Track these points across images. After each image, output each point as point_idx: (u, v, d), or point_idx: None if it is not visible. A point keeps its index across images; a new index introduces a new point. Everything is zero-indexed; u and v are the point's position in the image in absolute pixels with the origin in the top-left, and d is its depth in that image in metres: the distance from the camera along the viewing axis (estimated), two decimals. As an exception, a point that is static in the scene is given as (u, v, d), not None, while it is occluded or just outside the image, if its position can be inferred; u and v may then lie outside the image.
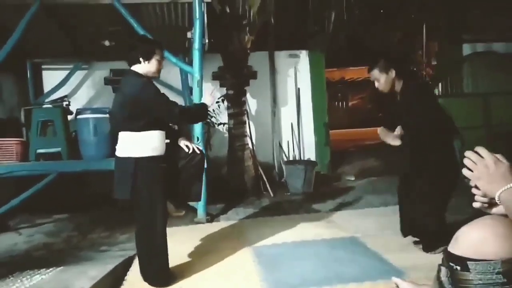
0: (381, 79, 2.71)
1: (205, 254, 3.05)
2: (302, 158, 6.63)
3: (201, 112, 2.74)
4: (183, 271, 2.71)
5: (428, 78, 7.29)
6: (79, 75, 6.15)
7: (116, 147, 2.48)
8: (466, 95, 7.17)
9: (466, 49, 7.41)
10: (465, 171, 1.03)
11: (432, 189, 2.66)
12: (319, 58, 6.86)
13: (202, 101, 2.72)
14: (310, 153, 6.74)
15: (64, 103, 4.57)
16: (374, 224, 3.63)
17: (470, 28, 7.31)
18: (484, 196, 1.05)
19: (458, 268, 0.94)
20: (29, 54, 5.68)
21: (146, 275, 2.48)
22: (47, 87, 6.03)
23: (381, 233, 3.36)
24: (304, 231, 3.52)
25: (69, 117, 4.64)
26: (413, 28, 7.37)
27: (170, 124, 2.77)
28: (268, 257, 2.93)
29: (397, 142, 2.77)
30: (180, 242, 3.36)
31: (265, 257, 2.93)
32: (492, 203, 1.06)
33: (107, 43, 5.20)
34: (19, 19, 3.92)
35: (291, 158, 6.58)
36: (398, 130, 2.90)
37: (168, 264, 2.52)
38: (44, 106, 4.53)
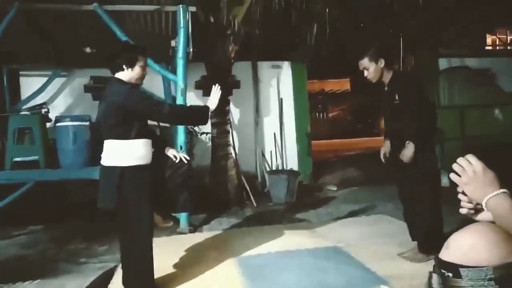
0: (370, 68, 2.71)
1: (188, 265, 2.99)
2: (284, 168, 6.65)
3: (200, 114, 2.60)
4: (165, 282, 2.65)
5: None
6: (58, 82, 6.01)
7: (102, 155, 2.43)
8: (442, 108, 7.40)
9: (442, 63, 7.68)
10: (453, 176, 1.05)
11: (423, 190, 2.73)
12: (301, 69, 6.96)
13: (207, 104, 2.59)
14: (292, 163, 6.77)
15: (43, 110, 4.44)
16: (356, 234, 3.66)
17: (446, 43, 7.58)
18: (470, 202, 1.08)
19: (450, 275, 0.95)
20: (5, 59, 5.51)
21: (130, 286, 2.40)
22: (24, 94, 5.86)
23: (364, 242, 3.38)
24: (288, 241, 3.51)
25: (48, 125, 4.51)
26: (391, 42, 7.57)
27: (157, 134, 2.72)
28: (252, 268, 2.90)
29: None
30: (163, 253, 3.27)
31: (249, 268, 2.90)
32: (477, 209, 1.09)
33: (88, 50, 5.11)
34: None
35: (274, 168, 6.59)
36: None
37: (153, 276, 2.45)
38: (22, 113, 4.40)
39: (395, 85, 2.70)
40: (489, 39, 9.91)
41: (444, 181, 5.07)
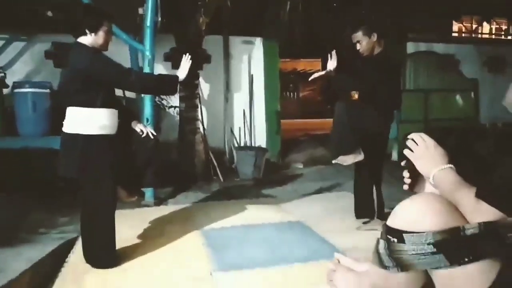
0: (363, 42, 2.85)
1: (151, 237, 3.00)
2: (253, 144, 6.69)
3: (168, 83, 2.55)
4: (128, 253, 2.65)
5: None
6: (16, 46, 5.67)
7: (64, 122, 2.36)
8: (408, 91, 7.64)
9: (410, 47, 7.86)
10: (406, 151, 1.12)
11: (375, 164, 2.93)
12: (273, 47, 6.91)
13: (176, 73, 2.55)
14: (261, 141, 6.81)
15: (-1, 75, 4.21)
16: (319, 209, 3.78)
17: (414, 28, 7.74)
18: (414, 175, 1.16)
19: (395, 240, 1.02)
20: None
21: (90, 257, 2.39)
22: (-23, 58, 5.50)
23: (325, 217, 3.51)
24: (253, 215, 3.58)
25: (5, 91, 4.28)
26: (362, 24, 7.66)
27: (124, 105, 2.66)
28: (216, 240, 2.95)
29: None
30: (126, 225, 3.26)
31: (213, 240, 2.95)
32: (417, 183, 1.19)
33: (49, 13, 4.84)
34: None
35: (242, 145, 6.61)
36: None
37: (115, 246, 2.45)
38: (-25, 77, 4.15)
39: (384, 57, 2.89)
40: (455, 26, 10.20)
41: (394, 156, 5.47)
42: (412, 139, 1.13)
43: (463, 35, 10.04)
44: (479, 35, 10.25)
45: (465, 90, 7.95)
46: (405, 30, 7.75)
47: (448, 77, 7.88)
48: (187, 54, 2.59)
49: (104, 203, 2.38)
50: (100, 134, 2.32)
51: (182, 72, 2.55)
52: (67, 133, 2.34)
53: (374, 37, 2.84)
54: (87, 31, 2.34)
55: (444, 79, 7.78)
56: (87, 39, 2.36)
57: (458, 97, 7.79)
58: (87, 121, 2.30)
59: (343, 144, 2.89)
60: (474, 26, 10.21)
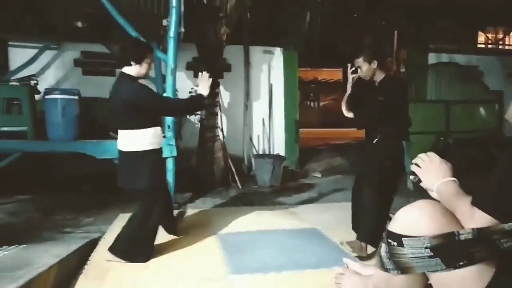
0: (364, 67, 2.90)
1: (170, 239, 3.11)
2: (271, 152, 6.77)
3: (196, 103, 2.93)
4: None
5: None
6: (48, 54, 5.98)
7: (119, 142, 2.74)
8: (429, 102, 7.57)
9: (432, 58, 7.80)
10: (413, 167, 1.22)
11: (381, 188, 2.80)
12: (293, 56, 7.01)
13: (199, 92, 2.88)
14: (279, 149, 6.89)
15: (32, 82, 4.45)
16: (334, 218, 3.80)
17: (436, 39, 7.69)
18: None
19: (395, 244, 1.08)
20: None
21: (127, 253, 2.63)
22: (13, 65, 5.82)
23: (340, 225, 3.52)
24: (268, 222, 3.65)
25: (37, 97, 4.52)
26: (384, 35, 7.67)
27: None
28: (232, 244, 3.03)
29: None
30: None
31: (229, 244, 3.03)
32: None
33: (79, 24, 5.10)
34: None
35: (260, 152, 6.70)
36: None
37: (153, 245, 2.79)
38: (11, 83, 4.40)
39: (385, 84, 2.88)
40: (481, 37, 10.04)
41: (409, 185, 5.02)
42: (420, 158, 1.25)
43: (489, 46, 9.87)
44: (505, 47, 10.05)
45: (489, 102, 7.80)
46: (426, 41, 7.71)
47: (471, 89, 7.76)
48: (203, 72, 2.90)
49: (155, 206, 2.71)
50: (152, 149, 2.71)
51: (203, 90, 2.86)
52: (124, 151, 2.70)
53: (374, 64, 2.88)
54: (132, 62, 2.67)
55: (466, 91, 7.67)
56: (131, 69, 2.68)
57: (481, 108, 7.64)
58: (139, 140, 2.67)
59: None
60: (500, 36, 10.02)
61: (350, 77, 3.03)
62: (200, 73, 2.90)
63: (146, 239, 2.72)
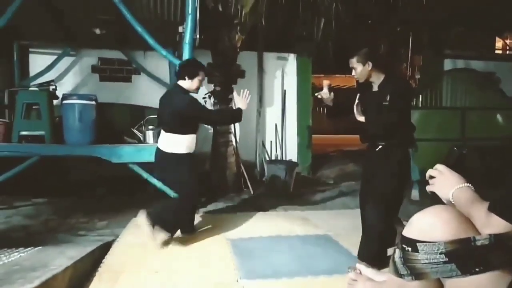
0: (358, 69, 2.76)
1: (182, 243, 3.13)
2: (284, 158, 6.76)
3: (235, 116, 3.34)
4: (159, 257, 2.80)
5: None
6: (66, 60, 6.12)
7: (161, 143, 3.20)
8: (445, 108, 7.46)
9: (447, 64, 7.71)
10: (428, 187, 1.23)
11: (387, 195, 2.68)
12: (306, 63, 7.02)
13: (238, 106, 3.30)
14: (292, 155, 6.88)
15: (51, 87, 4.56)
16: (347, 224, 3.77)
17: (451, 44, 7.60)
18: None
19: (410, 249, 1.07)
20: (17, 36, 5.62)
21: (183, 226, 3.25)
22: (33, 71, 5.98)
23: (353, 232, 3.48)
24: (280, 227, 3.64)
25: (55, 102, 4.63)
26: (399, 41, 7.61)
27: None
28: (244, 249, 3.04)
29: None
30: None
31: (241, 248, 3.03)
32: None
33: (97, 31, 5.21)
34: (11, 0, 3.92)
35: (273, 158, 6.70)
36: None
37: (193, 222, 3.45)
38: (30, 88, 4.52)
39: (387, 87, 2.71)
40: (498, 43, 9.88)
41: (414, 194, 4.88)
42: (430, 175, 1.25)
43: (507, 52, 9.69)
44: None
45: (506, 109, 7.63)
46: (442, 47, 7.62)
47: (488, 95, 7.62)
48: (246, 90, 3.35)
49: (191, 196, 3.21)
50: (187, 153, 3.17)
51: (242, 105, 3.30)
52: (165, 152, 3.14)
53: (369, 66, 2.70)
54: (186, 77, 3.16)
55: (483, 97, 7.52)
56: (185, 83, 3.18)
57: (498, 115, 7.49)
58: (180, 144, 3.14)
59: None
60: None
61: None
62: (242, 90, 3.33)
63: (187, 221, 3.28)
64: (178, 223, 3.14)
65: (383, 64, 2.87)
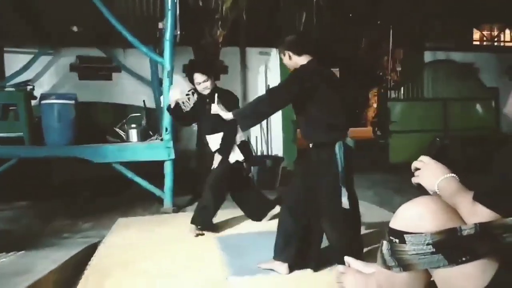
0: (284, 59, 2.62)
1: (170, 242, 3.10)
2: (269, 153, 6.76)
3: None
4: (146, 257, 2.76)
5: (393, 83, 7.62)
6: (43, 60, 5.96)
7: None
8: (426, 100, 7.58)
9: (427, 56, 7.82)
10: (413, 179, 1.22)
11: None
12: (289, 57, 7.00)
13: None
14: (277, 150, 6.88)
15: (28, 87, 4.42)
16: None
17: (431, 36, 7.71)
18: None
19: (397, 241, 1.07)
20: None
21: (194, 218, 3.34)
22: (8, 71, 5.79)
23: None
24: (269, 222, 3.64)
25: (33, 102, 4.49)
26: (380, 35, 7.67)
27: None
28: (232, 245, 3.02)
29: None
30: (146, 230, 3.40)
31: (229, 245, 3.02)
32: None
33: (75, 29, 5.08)
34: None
35: (259, 154, 6.69)
36: None
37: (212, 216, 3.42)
38: (7, 89, 4.37)
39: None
40: (476, 34, 10.07)
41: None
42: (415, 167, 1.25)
43: (484, 43, 9.89)
44: (501, 43, 10.08)
45: (485, 99, 7.81)
46: (422, 39, 7.72)
47: (467, 86, 7.78)
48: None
49: (220, 186, 3.54)
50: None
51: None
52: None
53: (290, 57, 2.53)
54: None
55: (463, 88, 7.68)
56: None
57: (478, 105, 7.66)
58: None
59: None
60: (495, 33, 10.06)
61: None
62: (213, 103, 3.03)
63: (207, 208, 3.38)
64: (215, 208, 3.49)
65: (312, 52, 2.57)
